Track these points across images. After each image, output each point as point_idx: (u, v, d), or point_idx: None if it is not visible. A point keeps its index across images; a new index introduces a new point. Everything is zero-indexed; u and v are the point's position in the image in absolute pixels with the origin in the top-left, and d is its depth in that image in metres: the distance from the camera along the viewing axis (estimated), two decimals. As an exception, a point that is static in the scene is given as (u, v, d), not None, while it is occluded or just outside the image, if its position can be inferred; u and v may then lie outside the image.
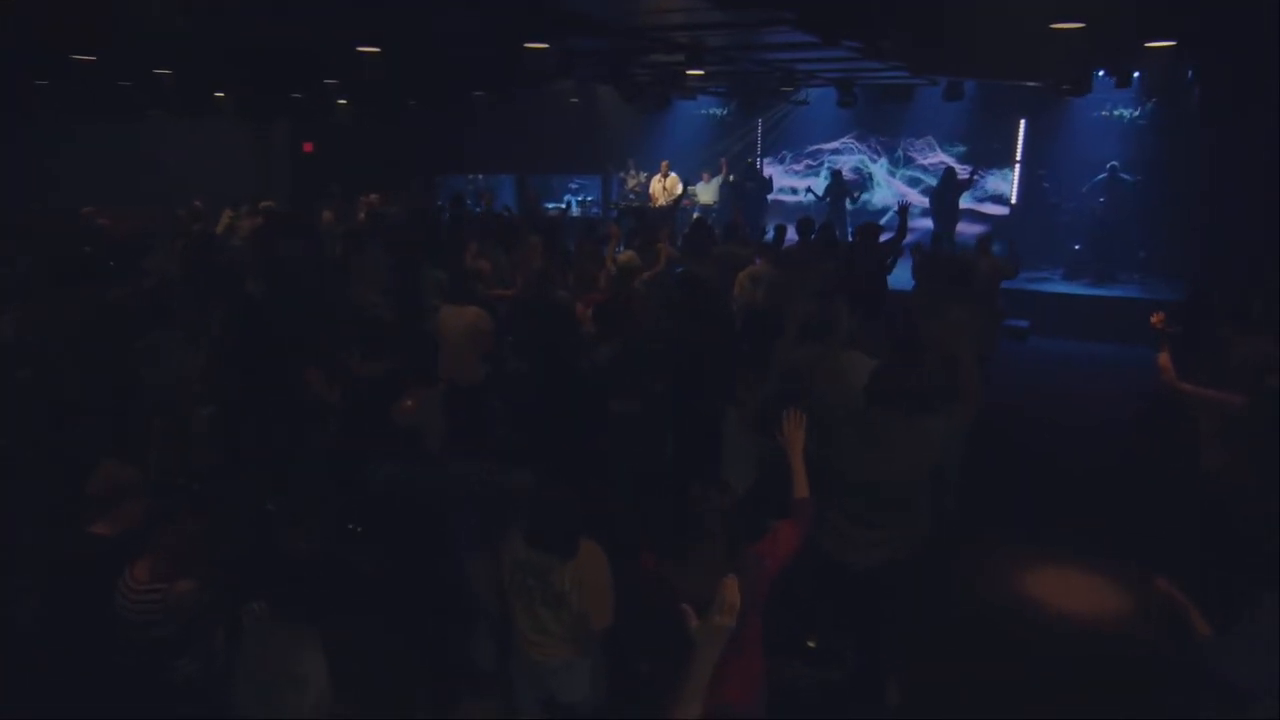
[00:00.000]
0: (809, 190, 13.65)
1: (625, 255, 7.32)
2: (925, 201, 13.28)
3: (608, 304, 5.32)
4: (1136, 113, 12.47)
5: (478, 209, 13.88)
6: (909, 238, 9.11)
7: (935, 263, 8.20)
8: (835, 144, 15.49)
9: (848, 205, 13.43)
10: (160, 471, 4.80)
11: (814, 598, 3.59)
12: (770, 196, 15.19)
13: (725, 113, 16.12)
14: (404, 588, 3.36)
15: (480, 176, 17.39)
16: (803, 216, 9.27)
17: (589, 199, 16.30)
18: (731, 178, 14.85)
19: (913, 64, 7.73)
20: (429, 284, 6.91)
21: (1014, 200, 13.91)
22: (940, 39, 6.08)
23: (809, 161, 15.91)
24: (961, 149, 14.17)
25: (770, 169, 16.06)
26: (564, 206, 15.69)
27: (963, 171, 12.94)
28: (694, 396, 4.19)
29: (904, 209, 8.33)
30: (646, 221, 10.66)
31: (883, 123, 14.66)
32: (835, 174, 13.71)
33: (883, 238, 8.46)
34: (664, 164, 13.95)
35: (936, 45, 6.30)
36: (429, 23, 6.19)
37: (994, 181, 13.90)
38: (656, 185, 14.01)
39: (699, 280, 6.03)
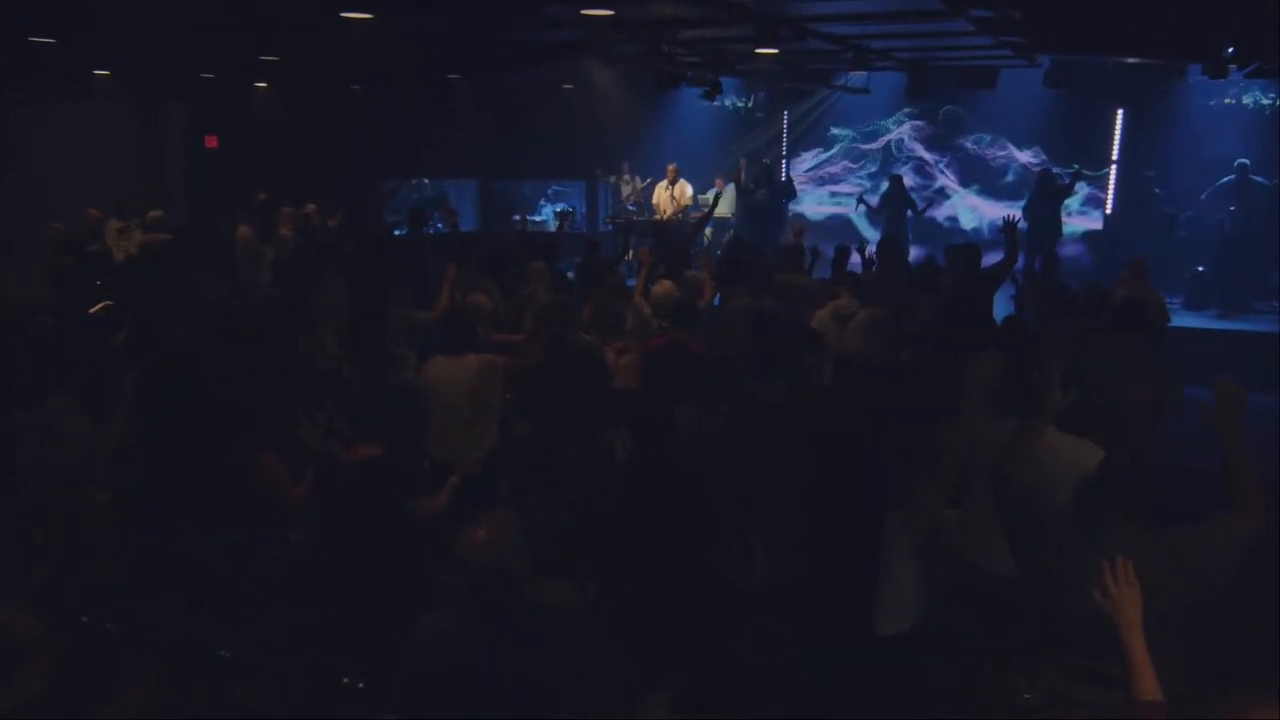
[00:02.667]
0: (861, 201, 13.37)
1: (662, 287, 6.97)
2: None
3: (681, 351, 4.82)
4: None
5: (435, 226, 13.56)
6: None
7: (1055, 292, 7.89)
8: (878, 144, 15.39)
9: (909, 218, 13.12)
10: (50, 599, 4.13)
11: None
12: (794, 206, 15.00)
13: (748, 104, 15.91)
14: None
15: (427, 182, 17.03)
16: (885, 238, 8.93)
17: (571, 210, 15.95)
18: (741, 182, 14.68)
19: (1033, 37, 7.45)
20: (398, 327, 6.55)
21: (1110, 209, 13.77)
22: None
23: (847, 163, 15.72)
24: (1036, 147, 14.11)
25: (799, 173, 15.96)
26: (559, 218, 15.33)
27: (1060, 175, 12.79)
28: (842, 498, 3.72)
29: (1011, 225, 7.99)
30: (665, 240, 10.34)
31: (942, 115, 14.59)
32: (895, 180, 13.39)
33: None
34: (671, 168, 13.75)
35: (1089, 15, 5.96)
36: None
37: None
38: (662, 194, 13.80)
39: (803, 324, 5.60)
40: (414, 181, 16.75)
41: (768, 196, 13.95)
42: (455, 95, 13.82)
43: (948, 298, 7.08)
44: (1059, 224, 12.34)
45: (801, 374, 4.78)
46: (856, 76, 13.40)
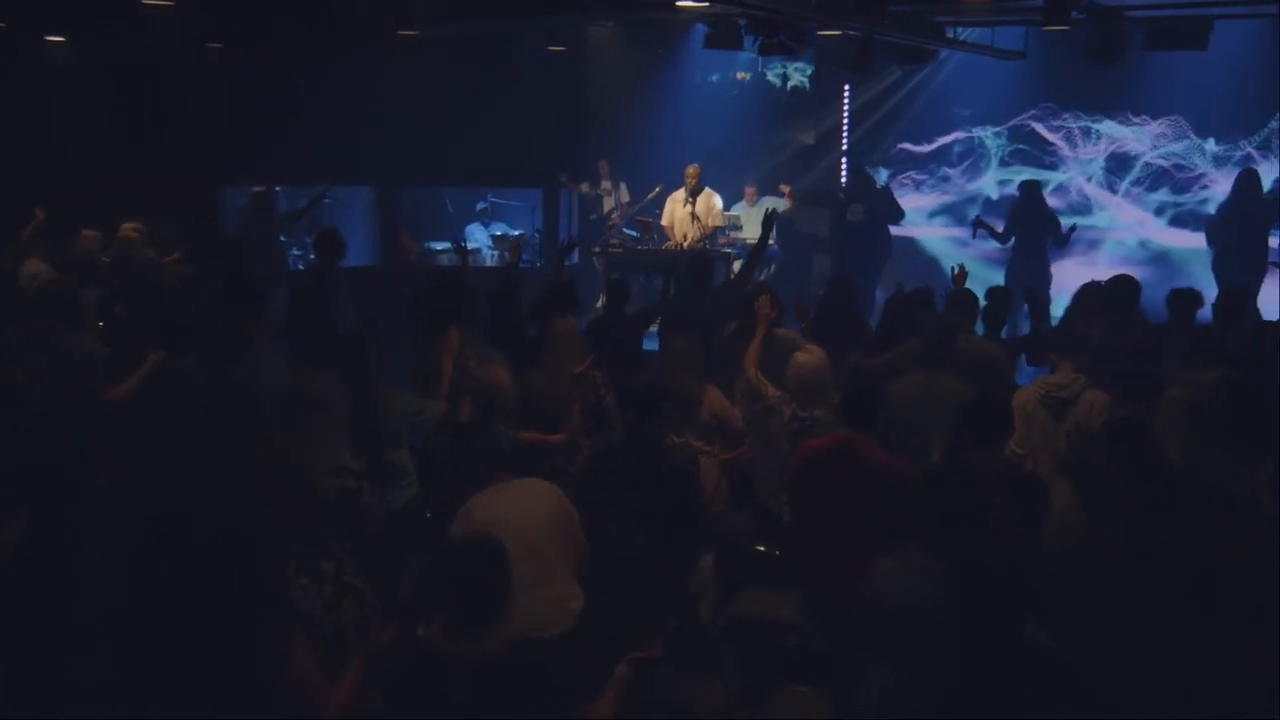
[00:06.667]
0: (978, 223, 13.35)
1: (812, 356, 6.95)
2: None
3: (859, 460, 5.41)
4: None
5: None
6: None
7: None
8: (988, 132, 15.49)
9: (1050, 244, 13.10)
10: None
11: None
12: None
13: (794, 74, 15.73)
14: None
15: (279, 191, 16.54)
16: (1107, 282, 8.98)
17: (520, 235, 15.65)
18: (786, 202, 14.89)
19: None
20: (391, 422, 6.67)
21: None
22: None
23: (944, 166, 15.98)
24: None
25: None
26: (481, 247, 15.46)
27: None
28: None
29: None
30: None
31: (1087, 96, 14.76)
32: (1028, 189, 13.57)
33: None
34: (692, 171, 13.72)
35: None
36: None
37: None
38: (678, 210, 13.82)
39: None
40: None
41: (864, 214, 13.91)
42: (350, 58, 13.75)
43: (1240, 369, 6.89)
44: (1265, 247, 12.37)
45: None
46: (1007, 32, 13.46)
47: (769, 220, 10.67)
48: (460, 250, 10.42)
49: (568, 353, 7.38)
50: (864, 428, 6.03)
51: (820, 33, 11.88)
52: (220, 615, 4.08)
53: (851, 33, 11.54)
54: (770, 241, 14.42)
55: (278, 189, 15.89)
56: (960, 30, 13.56)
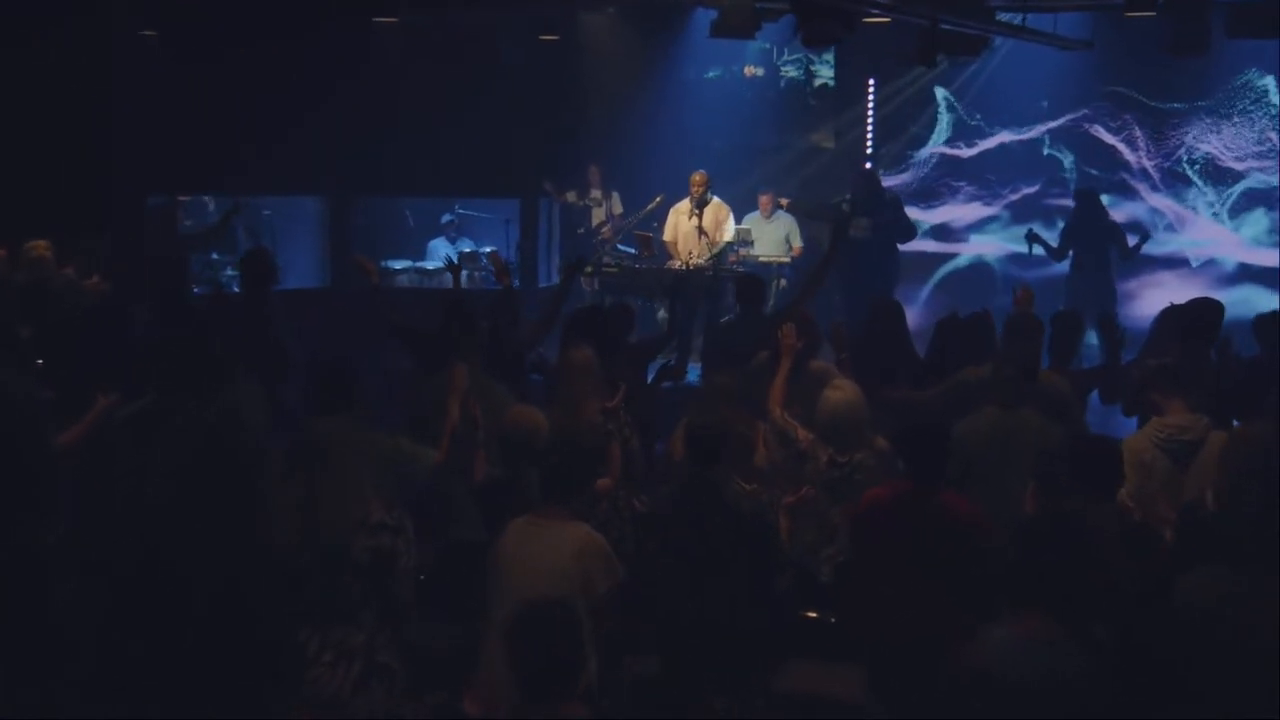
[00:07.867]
0: (1032, 237, 13.53)
1: (841, 392, 7.16)
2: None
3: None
4: None
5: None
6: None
7: None
8: (1033, 133, 15.57)
9: (1115, 259, 13.31)
10: None
11: None
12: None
13: (821, 70, 15.95)
14: None
15: (209, 202, 16.69)
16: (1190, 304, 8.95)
17: (493, 252, 15.39)
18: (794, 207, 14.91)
19: None
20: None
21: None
22: None
23: (986, 174, 15.96)
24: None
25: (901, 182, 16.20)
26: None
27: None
28: None
29: None
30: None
31: (1151, 92, 14.89)
32: (1084, 199, 13.82)
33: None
34: (698, 179, 13.75)
35: None
36: None
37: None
38: (683, 223, 13.88)
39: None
40: (183, 199, 16.30)
41: (871, 229, 13.89)
42: (300, 48, 13.80)
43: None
44: None
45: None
46: (1071, 19, 13.51)
47: (840, 229, 10.60)
48: (454, 268, 10.45)
49: (585, 387, 7.45)
50: (928, 472, 6.05)
51: (866, 20, 11.81)
52: (213, 689, 4.36)
53: (912, 20, 11.49)
54: (785, 259, 14.68)
55: (207, 198, 15.97)
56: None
